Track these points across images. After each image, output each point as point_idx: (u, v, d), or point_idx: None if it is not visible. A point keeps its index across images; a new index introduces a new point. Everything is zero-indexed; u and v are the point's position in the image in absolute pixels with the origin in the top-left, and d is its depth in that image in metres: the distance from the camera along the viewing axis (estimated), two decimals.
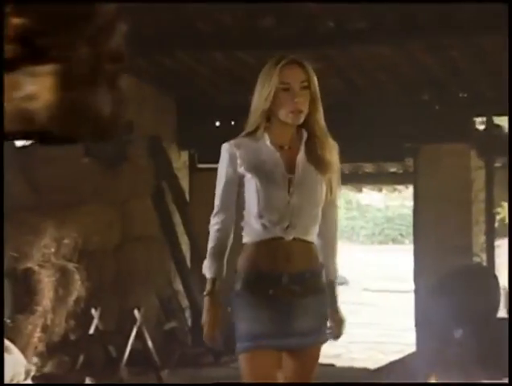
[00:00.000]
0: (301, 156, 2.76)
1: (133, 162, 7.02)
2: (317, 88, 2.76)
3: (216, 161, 2.69)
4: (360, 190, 13.58)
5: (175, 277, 7.53)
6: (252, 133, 2.78)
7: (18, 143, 6.63)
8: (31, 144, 6.87)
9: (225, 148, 2.79)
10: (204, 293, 2.77)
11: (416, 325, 7.24)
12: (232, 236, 2.82)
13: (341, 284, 15.48)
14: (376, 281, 16.09)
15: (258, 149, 2.75)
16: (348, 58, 6.71)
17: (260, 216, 2.70)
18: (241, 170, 2.75)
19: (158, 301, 7.21)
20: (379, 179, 9.78)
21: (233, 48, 6.35)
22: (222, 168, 2.80)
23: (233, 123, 7.60)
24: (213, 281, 2.77)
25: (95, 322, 6.18)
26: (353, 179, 9.53)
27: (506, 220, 7.70)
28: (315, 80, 2.76)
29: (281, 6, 5.67)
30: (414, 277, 7.55)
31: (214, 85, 7.57)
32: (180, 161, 8.07)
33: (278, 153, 2.75)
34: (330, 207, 2.81)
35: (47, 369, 5.92)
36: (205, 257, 2.75)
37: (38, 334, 5.77)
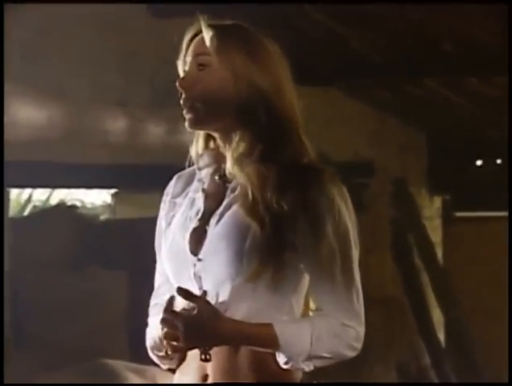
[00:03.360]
0: (230, 198, 1.58)
1: (371, 211, 5.89)
2: (239, 68, 1.53)
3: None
4: None
5: (423, 351, 6.33)
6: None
7: None
8: None
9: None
10: None
11: None
12: None
13: None
14: None
15: (191, 183, 1.67)
16: None
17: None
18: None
19: (398, 377, 6.16)
20: None
21: (491, 71, 5.15)
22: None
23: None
24: None
25: None
26: None
27: None
28: (226, 52, 1.54)
29: None
30: None
31: (473, 116, 6.13)
32: (432, 208, 6.34)
33: (200, 191, 1.62)
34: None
35: None
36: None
37: None
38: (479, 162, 6.63)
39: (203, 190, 1.62)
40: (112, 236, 4.85)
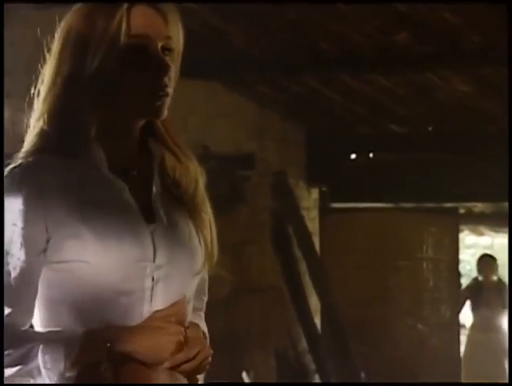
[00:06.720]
0: (157, 189, 1.45)
1: (252, 202, 6.03)
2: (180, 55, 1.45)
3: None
4: None
5: (300, 337, 6.45)
6: (63, 146, 1.40)
7: None
8: None
9: (18, 176, 1.39)
10: None
11: None
12: None
13: None
14: None
15: (81, 176, 1.39)
16: None
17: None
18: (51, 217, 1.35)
19: (277, 363, 6.27)
20: None
21: (364, 70, 5.35)
22: (12, 219, 1.35)
23: (371, 155, 6.54)
24: None
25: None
26: None
27: None
28: (181, 36, 1.43)
29: (417, 19, 4.47)
30: None
31: (348, 112, 6.35)
32: (310, 200, 6.41)
33: (123, 183, 1.41)
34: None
35: None
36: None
37: None
38: (353, 156, 6.83)
39: (129, 187, 1.40)
40: None
